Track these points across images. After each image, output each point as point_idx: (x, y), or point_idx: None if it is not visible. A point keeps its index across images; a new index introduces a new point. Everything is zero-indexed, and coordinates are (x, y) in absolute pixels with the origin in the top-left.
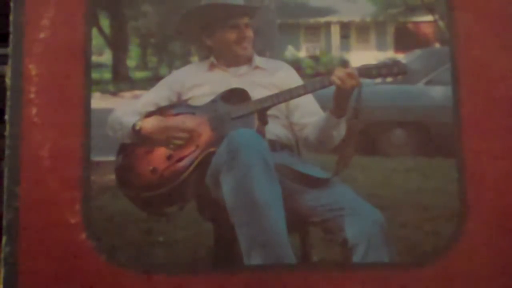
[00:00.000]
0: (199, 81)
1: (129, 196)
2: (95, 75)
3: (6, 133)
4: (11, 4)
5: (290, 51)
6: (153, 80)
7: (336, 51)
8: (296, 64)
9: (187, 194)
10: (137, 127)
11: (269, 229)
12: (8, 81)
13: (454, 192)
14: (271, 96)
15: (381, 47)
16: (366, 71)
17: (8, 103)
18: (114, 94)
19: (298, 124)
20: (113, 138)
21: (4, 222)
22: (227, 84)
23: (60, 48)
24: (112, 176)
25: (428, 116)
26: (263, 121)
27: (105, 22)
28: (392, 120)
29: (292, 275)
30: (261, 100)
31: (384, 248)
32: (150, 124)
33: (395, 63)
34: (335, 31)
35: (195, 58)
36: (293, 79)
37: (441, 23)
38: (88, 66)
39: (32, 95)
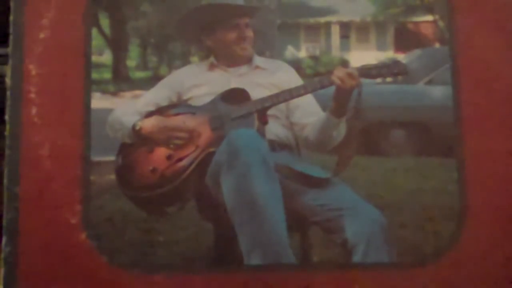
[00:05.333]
0: (199, 81)
1: (129, 196)
2: (95, 75)
3: (6, 133)
4: (11, 4)
5: (290, 51)
6: (153, 80)
7: (336, 51)
8: (296, 64)
9: (187, 194)
10: (137, 127)
11: (269, 229)
12: (8, 81)
13: (454, 192)
14: (271, 96)
15: (381, 47)
16: (366, 71)
17: (8, 103)
18: (114, 94)
19: (298, 124)
20: (113, 138)
21: (4, 222)
22: (227, 84)
23: (60, 48)
24: (112, 176)
25: (428, 116)
26: (263, 121)
27: (105, 22)
28: (392, 120)
29: (292, 275)
30: (261, 100)
31: (384, 248)
32: (150, 124)
33: (395, 63)
34: (335, 31)
35: (195, 58)
36: (293, 79)
37: (441, 23)
38: (88, 66)
39: (32, 95)
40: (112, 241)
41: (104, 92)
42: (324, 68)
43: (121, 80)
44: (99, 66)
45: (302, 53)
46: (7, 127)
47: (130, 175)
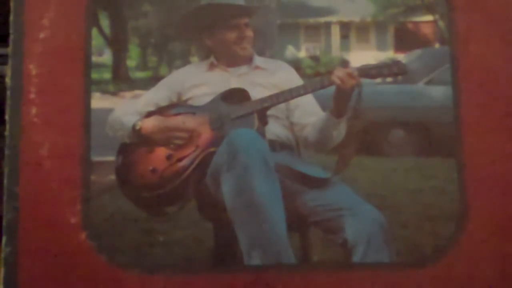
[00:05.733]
0: (199, 81)
1: (129, 196)
2: (95, 75)
3: (6, 133)
4: (11, 4)
5: (290, 51)
6: (153, 80)
7: (336, 51)
8: (296, 64)
9: (187, 194)
10: (137, 127)
11: (269, 229)
12: (8, 81)
13: (454, 192)
14: (271, 96)
15: (381, 47)
16: (366, 71)
17: (8, 103)
18: (114, 94)
19: (298, 124)
20: (113, 138)
21: (4, 222)
22: (227, 84)
23: (60, 48)
24: (112, 176)
25: (428, 116)
26: (263, 121)
27: (105, 22)
28: (392, 120)
29: (292, 275)
30: (261, 100)
31: (384, 248)
32: (150, 124)
33: (395, 63)
34: (335, 31)
35: (195, 58)
36: (293, 79)
37: (441, 23)
38: (88, 66)
39: (32, 95)
40: (112, 241)
41: (104, 92)
42: (324, 68)
43: (121, 80)
44: (99, 66)
45: (302, 53)
46: (7, 127)
47: (130, 175)
